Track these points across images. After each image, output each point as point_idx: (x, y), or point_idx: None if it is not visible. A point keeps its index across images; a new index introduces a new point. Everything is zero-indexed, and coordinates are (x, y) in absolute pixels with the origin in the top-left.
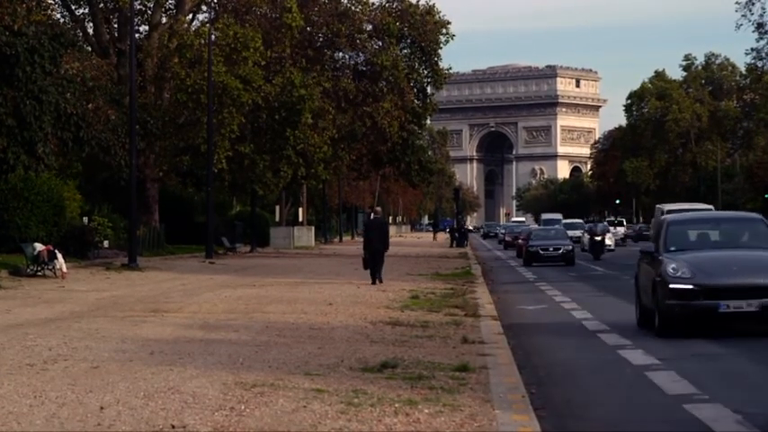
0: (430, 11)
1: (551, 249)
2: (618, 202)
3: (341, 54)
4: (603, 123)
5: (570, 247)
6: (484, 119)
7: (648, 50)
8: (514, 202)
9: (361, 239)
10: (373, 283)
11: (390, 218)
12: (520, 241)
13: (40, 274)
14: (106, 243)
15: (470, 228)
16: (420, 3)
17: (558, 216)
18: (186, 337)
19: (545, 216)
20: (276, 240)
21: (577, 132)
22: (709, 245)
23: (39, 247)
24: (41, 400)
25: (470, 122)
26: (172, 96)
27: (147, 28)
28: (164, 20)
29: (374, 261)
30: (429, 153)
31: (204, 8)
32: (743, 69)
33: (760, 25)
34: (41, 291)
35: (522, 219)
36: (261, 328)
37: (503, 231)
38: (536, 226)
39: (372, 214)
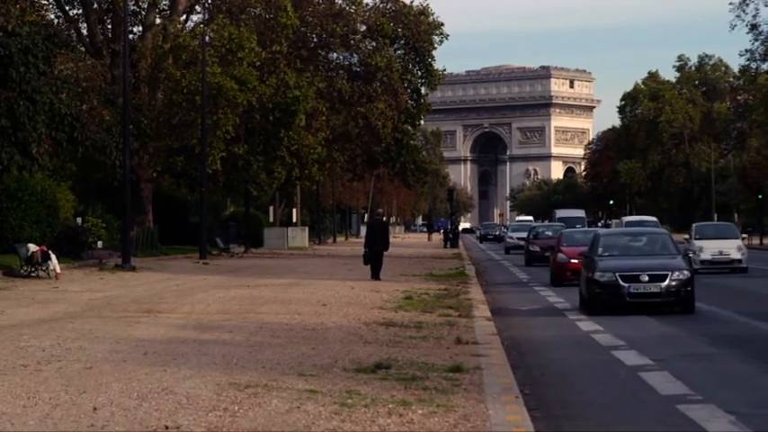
0: (424, 11)
1: (646, 279)
2: (612, 202)
3: (335, 55)
4: (597, 124)
5: (687, 275)
6: (478, 119)
7: (642, 51)
8: (508, 203)
9: (355, 240)
10: (373, 278)
11: (384, 219)
12: (561, 255)
13: (33, 274)
14: (100, 244)
15: (465, 227)
16: (414, 3)
17: (580, 213)
18: (180, 338)
19: (561, 214)
20: (270, 241)
21: (571, 133)
22: None
23: (32, 247)
24: (35, 401)
25: (464, 123)
26: (166, 97)
27: (140, 29)
28: (158, 21)
29: (374, 259)
30: (423, 153)
31: (198, 9)
32: (736, 70)
33: (754, 26)
34: (35, 291)
35: (530, 217)
36: (254, 329)
37: (516, 235)
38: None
39: (375, 215)
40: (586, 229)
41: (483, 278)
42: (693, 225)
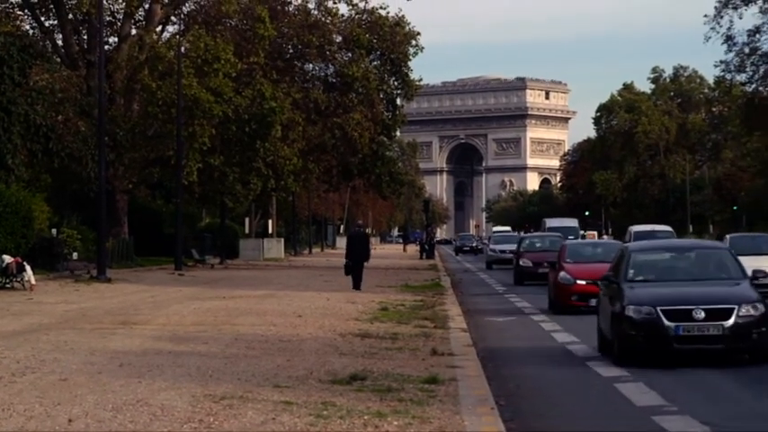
0: (399, 22)
1: (701, 317)
2: (587, 213)
3: (311, 65)
4: (573, 135)
5: (761, 310)
6: (454, 131)
7: (617, 63)
8: (484, 214)
9: (331, 251)
10: (355, 288)
11: (364, 230)
12: (564, 275)
13: (8, 286)
14: (75, 255)
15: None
16: (389, 14)
17: (573, 223)
18: (155, 350)
19: (551, 223)
20: (245, 252)
21: (547, 144)
22: None
23: (7, 259)
24: (9, 413)
25: (440, 134)
26: (141, 108)
27: (116, 39)
28: (133, 31)
29: (355, 269)
30: (399, 165)
31: (174, 19)
32: (711, 82)
33: (729, 38)
34: (9, 303)
35: (508, 228)
36: (230, 341)
37: (499, 248)
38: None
39: (355, 227)
40: (597, 240)
41: (459, 289)
42: (727, 236)
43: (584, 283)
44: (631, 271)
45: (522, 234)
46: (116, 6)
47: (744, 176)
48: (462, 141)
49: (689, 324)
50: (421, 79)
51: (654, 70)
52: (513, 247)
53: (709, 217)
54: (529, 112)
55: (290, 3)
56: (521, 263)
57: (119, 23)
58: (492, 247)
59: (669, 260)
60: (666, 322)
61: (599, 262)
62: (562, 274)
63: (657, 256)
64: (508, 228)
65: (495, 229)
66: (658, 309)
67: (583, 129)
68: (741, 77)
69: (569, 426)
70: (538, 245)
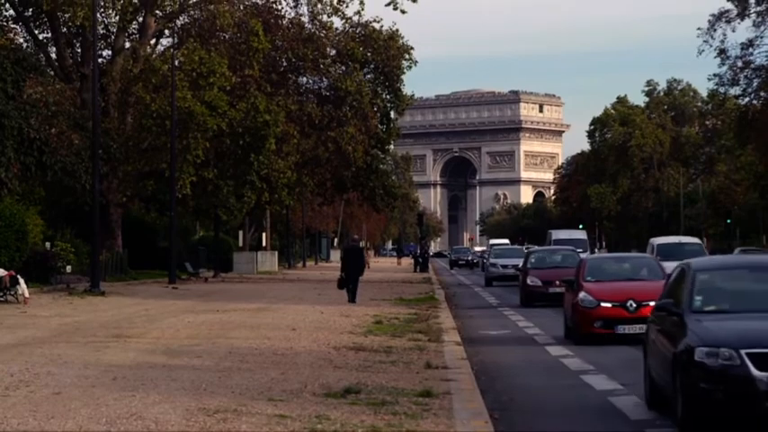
0: (393, 36)
1: None
2: (581, 227)
3: (305, 79)
4: (567, 148)
5: None
6: (447, 144)
7: (611, 76)
8: (478, 228)
9: (325, 264)
10: (350, 301)
11: (360, 244)
12: (585, 296)
13: (2, 299)
14: (69, 268)
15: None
16: (383, 28)
17: (581, 235)
18: (149, 363)
19: (557, 235)
20: (239, 265)
21: (541, 157)
22: None
23: (1, 272)
24: (2, 427)
25: (434, 147)
26: (135, 121)
27: (110, 52)
28: (127, 44)
29: (350, 283)
30: (393, 178)
31: (167, 33)
32: (704, 95)
33: (722, 51)
34: (3, 316)
35: (506, 240)
36: (224, 354)
37: (501, 262)
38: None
39: (351, 241)
40: (622, 254)
41: (452, 303)
42: None
43: (609, 305)
44: (698, 298)
45: (528, 247)
46: (110, 20)
47: (737, 190)
48: (456, 154)
49: None
50: (413, 94)
51: (648, 83)
52: (516, 261)
53: (703, 230)
54: (522, 126)
55: (285, 16)
56: (528, 281)
57: (112, 36)
58: (492, 261)
59: (750, 282)
60: (755, 372)
61: (626, 280)
62: (582, 295)
63: (733, 277)
64: (506, 240)
65: (494, 241)
66: (743, 353)
67: (577, 142)
68: (734, 91)
69: None
70: (548, 260)
